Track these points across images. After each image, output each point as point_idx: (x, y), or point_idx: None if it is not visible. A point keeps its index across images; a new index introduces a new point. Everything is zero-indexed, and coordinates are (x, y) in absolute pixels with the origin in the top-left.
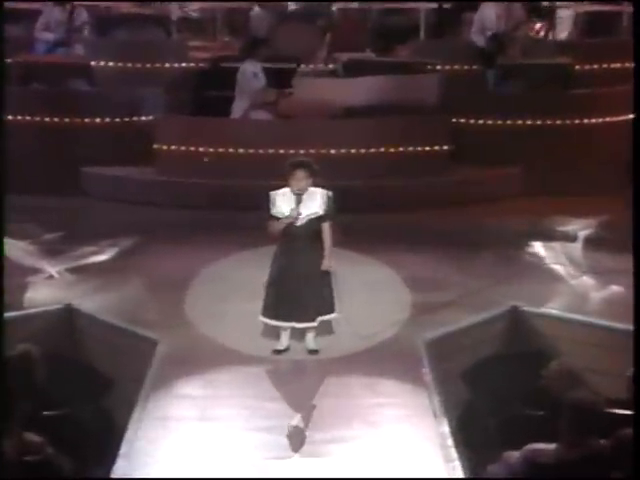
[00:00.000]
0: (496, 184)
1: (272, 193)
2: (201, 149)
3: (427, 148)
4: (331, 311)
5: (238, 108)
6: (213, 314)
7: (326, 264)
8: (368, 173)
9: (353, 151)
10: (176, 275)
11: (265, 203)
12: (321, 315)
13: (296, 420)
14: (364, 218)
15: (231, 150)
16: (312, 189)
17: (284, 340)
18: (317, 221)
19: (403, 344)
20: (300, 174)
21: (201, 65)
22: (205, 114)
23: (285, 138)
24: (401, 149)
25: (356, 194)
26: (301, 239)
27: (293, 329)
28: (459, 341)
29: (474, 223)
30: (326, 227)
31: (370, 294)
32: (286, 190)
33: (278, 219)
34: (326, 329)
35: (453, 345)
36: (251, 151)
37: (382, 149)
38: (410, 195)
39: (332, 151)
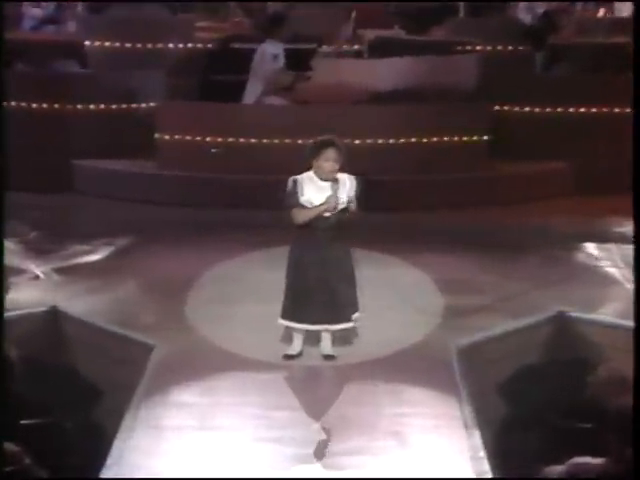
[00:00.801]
0: (542, 181)
1: (297, 178)
2: (208, 139)
3: (464, 139)
4: (356, 311)
5: (251, 93)
6: (217, 317)
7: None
8: (396, 167)
9: (380, 142)
10: (176, 277)
11: (285, 191)
12: (347, 316)
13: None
14: (392, 217)
15: (242, 140)
16: (339, 174)
17: (298, 343)
18: (345, 211)
19: (433, 350)
20: (333, 154)
21: (209, 46)
22: (213, 100)
23: (303, 126)
24: (434, 140)
25: (383, 190)
26: (329, 232)
27: (308, 332)
28: (496, 348)
29: (517, 223)
30: (352, 211)
31: (397, 297)
32: (310, 175)
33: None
34: (347, 333)
35: (489, 352)
36: (265, 141)
37: (413, 140)
38: (444, 192)
39: (356, 141)
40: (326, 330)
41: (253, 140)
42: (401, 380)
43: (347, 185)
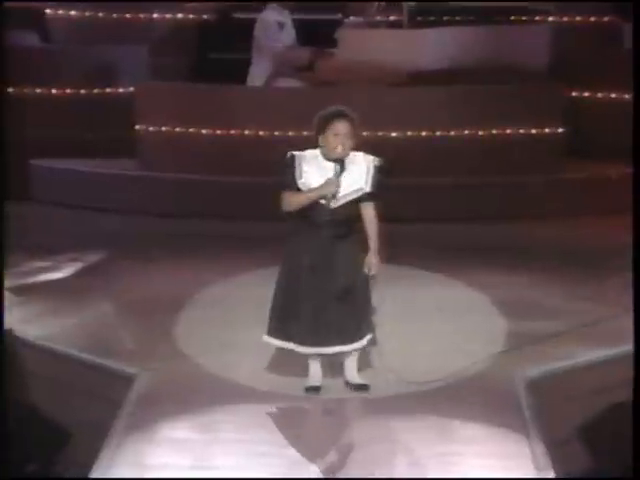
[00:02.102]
0: (629, 187)
1: (296, 153)
2: (204, 131)
3: (532, 131)
4: (371, 330)
5: (256, 75)
6: (213, 343)
7: (373, 262)
8: (445, 166)
9: (423, 134)
10: (162, 297)
11: (281, 167)
12: (359, 336)
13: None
14: (437, 228)
15: (248, 132)
16: (354, 154)
17: (316, 371)
18: (356, 202)
19: (493, 382)
20: (344, 127)
21: (204, 17)
22: (209, 83)
23: None
24: (494, 132)
25: (427, 195)
26: (333, 228)
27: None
28: (577, 382)
29: (600, 237)
30: (371, 211)
31: (448, 320)
32: (314, 153)
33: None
34: (369, 360)
35: (568, 386)
36: (277, 133)
37: (466, 131)
38: (506, 198)
39: (393, 134)
40: (323, 354)
41: (262, 132)
42: (452, 415)
43: (362, 169)
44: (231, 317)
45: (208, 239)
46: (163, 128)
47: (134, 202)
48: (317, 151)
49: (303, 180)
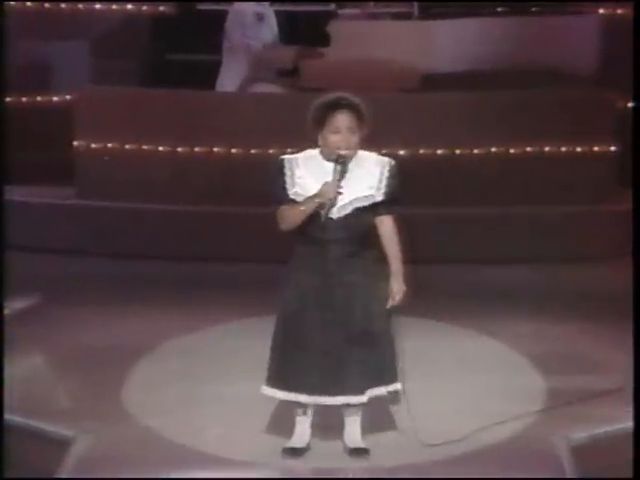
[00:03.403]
0: None
1: (286, 158)
2: (161, 149)
3: (577, 150)
4: (392, 380)
5: (228, 79)
6: (171, 401)
7: (396, 291)
8: (465, 193)
9: (440, 152)
10: (110, 350)
11: (270, 177)
12: (375, 385)
13: None
14: (455, 269)
15: (217, 150)
16: (362, 153)
17: (303, 432)
18: (369, 212)
19: (532, 445)
20: (345, 120)
21: (161, 8)
22: (168, 88)
23: None
24: (528, 150)
25: (441, 230)
26: (340, 246)
27: (319, 412)
28: (623, 448)
29: None
30: (389, 224)
31: (473, 376)
32: (311, 154)
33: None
34: (384, 417)
35: (621, 452)
36: (253, 151)
37: (492, 149)
38: (538, 233)
39: (401, 152)
40: (343, 405)
41: (235, 150)
42: None
43: (374, 173)
44: (195, 372)
45: (167, 283)
46: (109, 145)
47: (74, 239)
48: (315, 151)
49: (297, 189)
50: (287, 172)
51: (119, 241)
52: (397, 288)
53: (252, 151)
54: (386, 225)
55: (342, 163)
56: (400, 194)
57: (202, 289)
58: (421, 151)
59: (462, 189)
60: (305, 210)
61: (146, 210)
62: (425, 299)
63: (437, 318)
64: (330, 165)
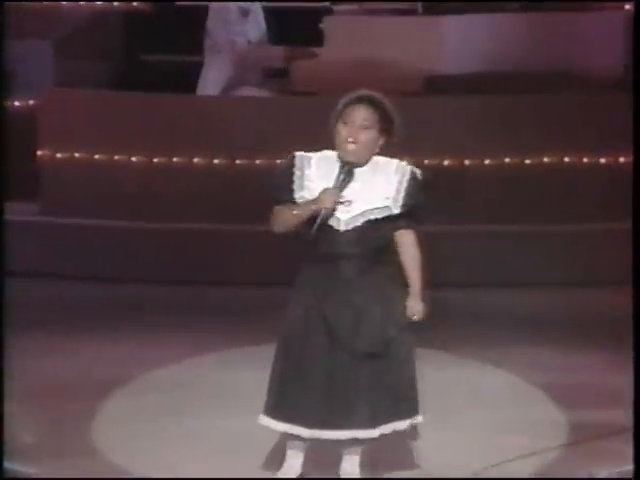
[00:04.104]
0: None
1: (299, 155)
2: (134, 159)
3: (600, 161)
4: (410, 412)
5: (210, 82)
6: (146, 437)
7: (415, 309)
8: (474, 209)
9: (446, 164)
10: (80, 381)
11: (277, 173)
12: (390, 419)
13: None
14: (466, 294)
15: (197, 160)
16: (381, 159)
17: (294, 465)
18: (385, 226)
19: None
20: (361, 114)
21: (136, 4)
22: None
23: (308, 136)
24: (545, 161)
25: (449, 250)
26: (349, 262)
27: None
28: None
29: None
30: (409, 238)
31: (486, 409)
32: (329, 155)
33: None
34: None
35: None
36: (239, 162)
37: (506, 160)
38: (557, 254)
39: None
40: (348, 440)
41: (217, 161)
42: None
43: (392, 182)
44: (173, 406)
45: (144, 308)
46: (77, 155)
47: (37, 260)
48: (333, 152)
49: (304, 193)
50: (297, 172)
51: (88, 262)
52: (417, 307)
53: (237, 162)
54: (406, 239)
55: (347, 169)
56: (422, 207)
57: (185, 315)
58: (425, 162)
59: (471, 204)
60: (299, 215)
61: (118, 228)
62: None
63: (439, 347)
64: (344, 168)
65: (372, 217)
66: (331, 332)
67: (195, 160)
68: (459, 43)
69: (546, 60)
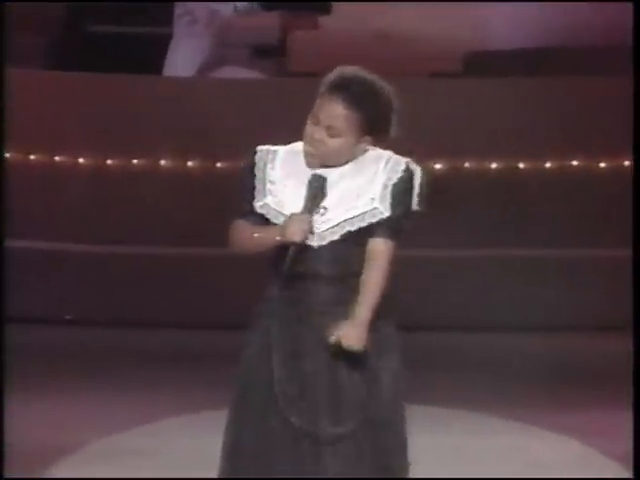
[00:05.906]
0: None
1: (262, 150)
2: (82, 160)
3: (626, 163)
4: (402, 464)
5: (182, 58)
6: None
7: (351, 337)
8: (500, 231)
9: (468, 166)
10: (14, 447)
11: (240, 177)
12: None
13: None
14: (488, 338)
15: (165, 162)
16: (370, 153)
17: None
18: (368, 234)
19: None
20: (333, 108)
21: None
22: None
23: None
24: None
25: (475, 279)
26: (326, 286)
27: None
28: None
29: None
30: (381, 250)
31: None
32: (299, 149)
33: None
34: None
35: None
36: (219, 165)
37: (567, 163)
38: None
39: (435, 165)
40: None
41: (191, 163)
42: None
43: (375, 180)
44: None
45: (98, 356)
46: (8, 155)
47: None
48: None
49: (267, 200)
50: (258, 172)
51: (29, 299)
52: (350, 333)
53: (217, 165)
54: (377, 250)
55: (320, 183)
56: (409, 214)
57: (144, 364)
58: (466, 164)
59: (498, 232)
60: (260, 243)
61: (62, 251)
62: (422, 377)
63: (453, 405)
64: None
65: (353, 228)
66: (305, 363)
67: (162, 162)
68: (504, 16)
69: (603, 36)
